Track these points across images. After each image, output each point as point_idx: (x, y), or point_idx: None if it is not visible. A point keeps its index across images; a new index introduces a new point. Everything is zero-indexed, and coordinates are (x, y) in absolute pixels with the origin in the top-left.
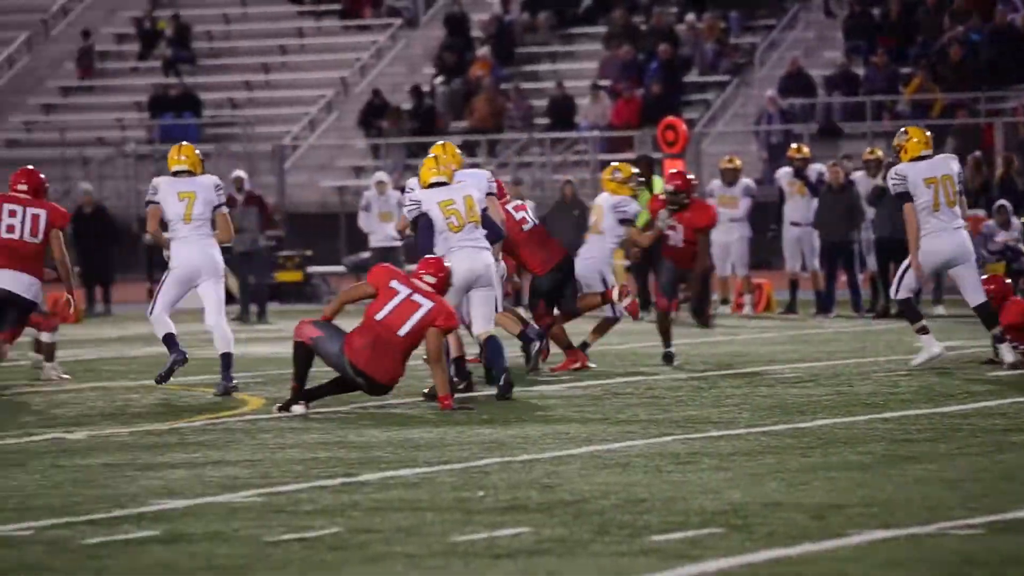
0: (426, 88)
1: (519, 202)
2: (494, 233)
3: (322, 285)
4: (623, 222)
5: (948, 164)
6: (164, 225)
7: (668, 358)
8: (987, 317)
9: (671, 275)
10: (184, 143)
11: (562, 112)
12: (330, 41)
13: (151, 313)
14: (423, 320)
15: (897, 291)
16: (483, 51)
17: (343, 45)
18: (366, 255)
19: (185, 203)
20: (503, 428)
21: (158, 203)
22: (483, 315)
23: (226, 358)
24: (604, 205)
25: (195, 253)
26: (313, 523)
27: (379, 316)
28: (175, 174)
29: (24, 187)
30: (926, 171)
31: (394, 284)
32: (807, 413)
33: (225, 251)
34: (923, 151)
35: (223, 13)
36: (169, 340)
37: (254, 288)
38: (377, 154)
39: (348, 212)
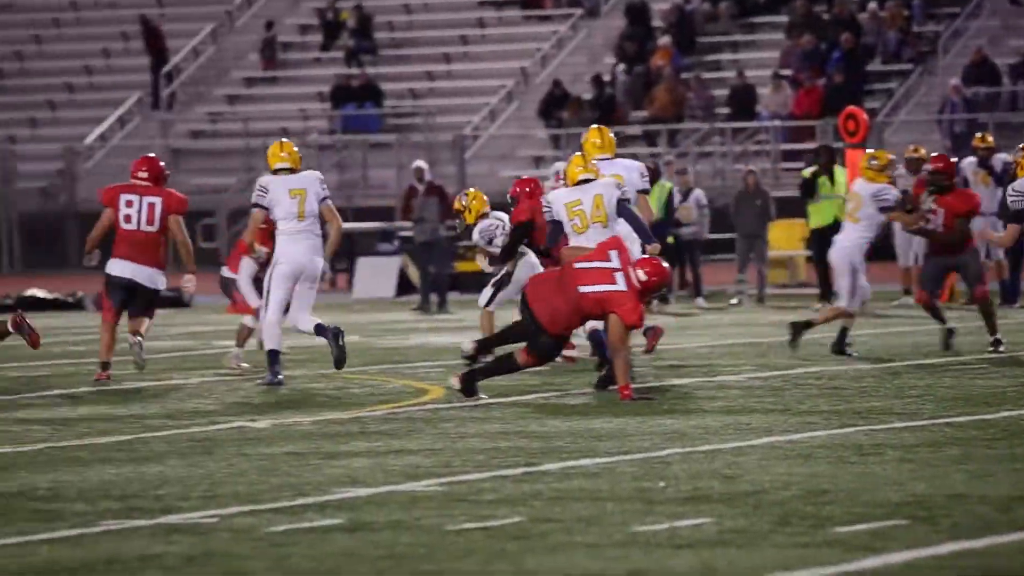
0: (607, 78)
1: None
2: (642, 235)
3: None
4: (883, 210)
5: None
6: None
7: (949, 333)
8: None
9: (934, 268)
10: (285, 140)
11: (743, 101)
12: (511, 31)
13: (265, 317)
14: (606, 295)
15: None
16: (664, 40)
17: (524, 35)
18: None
19: (297, 200)
20: (684, 418)
21: (267, 208)
22: None
23: (319, 328)
24: (863, 193)
25: (302, 252)
26: (495, 512)
27: (578, 265)
28: (276, 171)
29: (145, 174)
30: None
31: (612, 253)
32: (992, 404)
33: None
34: None
35: (405, 3)
36: (273, 357)
37: (434, 278)
38: (557, 144)
39: None
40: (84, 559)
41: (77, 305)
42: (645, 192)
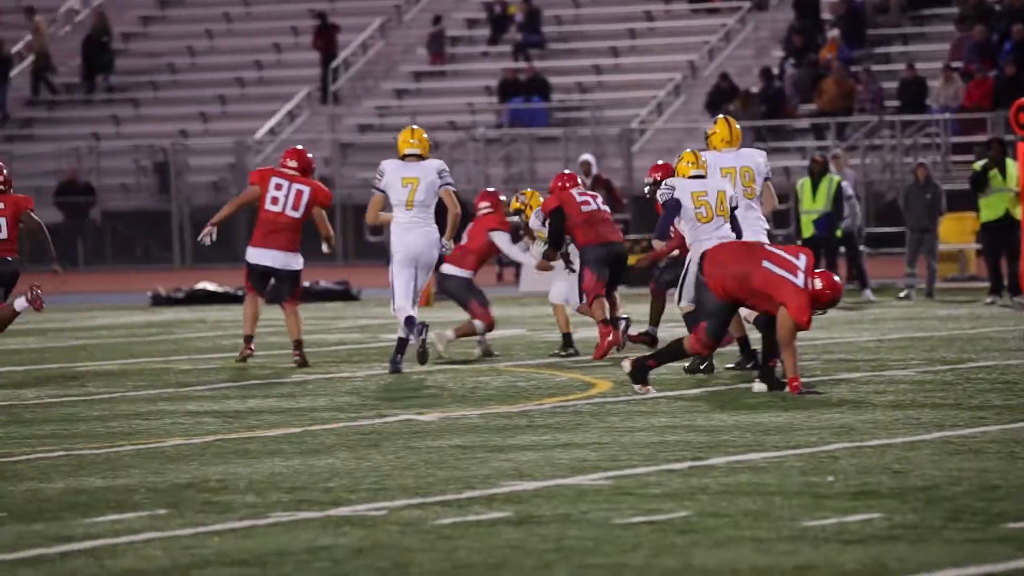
0: (775, 71)
1: (583, 190)
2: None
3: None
4: None
5: None
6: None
7: None
8: None
9: None
10: (416, 126)
11: (913, 94)
12: (679, 24)
13: (394, 308)
14: (782, 281)
15: None
16: (833, 33)
17: (692, 28)
18: None
19: (408, 189)
20: (853, 413)
21: (383, 191)
22: None
23: (409, 320)
24: None
25: (417, 238)
26: (662, 506)
27: (769, 248)
28: (404, 157)
29: (294, 164)
30: None
31: (802, 255)
32: None
33: None
34: None
35: None
36: (408, 321)
37: None
38: None
39: None
40: (254, 550)
41: None
42: (768, 179)
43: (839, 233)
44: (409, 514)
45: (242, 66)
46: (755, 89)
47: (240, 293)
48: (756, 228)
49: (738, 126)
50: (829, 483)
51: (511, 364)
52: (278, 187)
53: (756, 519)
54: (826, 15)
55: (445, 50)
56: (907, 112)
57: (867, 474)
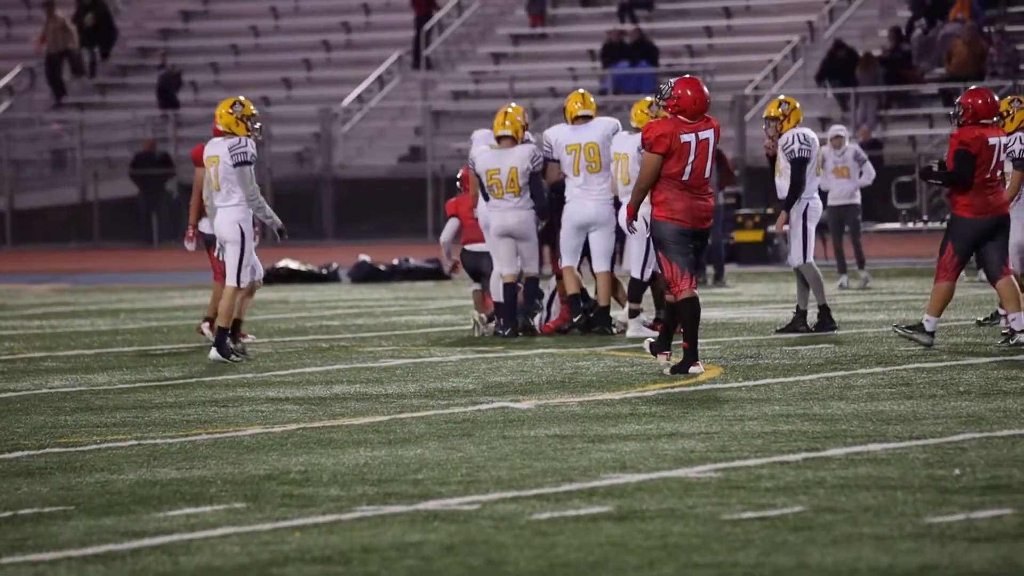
0: (903, 32)
1: None
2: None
3: (783, 245)
4: None
5: None
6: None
7: None
8: None
9: None
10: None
11: None
12: None
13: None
14: None
15: None
16: None
17: None
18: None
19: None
20: (981, 400)
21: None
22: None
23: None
24: None
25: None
26: (774, 501)
27: None
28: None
29: None
30: None
31: None
32: None
33: None
34: None
35: None
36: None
37: (711, 248)
38: (845, 105)
39: None
40: (338, 547)
41: (332, 277)
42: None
43: None
44: (503, 508)
45: (328, 28)
46: (878, 52)
47: (325, 272)
48: (601, 199)
49: (592, 99)
50: (956, 476)
51: (613, 348)
52: None
53: (876, 515)
54: None
55: (546, 11)
56: None
57: (997, 467)
